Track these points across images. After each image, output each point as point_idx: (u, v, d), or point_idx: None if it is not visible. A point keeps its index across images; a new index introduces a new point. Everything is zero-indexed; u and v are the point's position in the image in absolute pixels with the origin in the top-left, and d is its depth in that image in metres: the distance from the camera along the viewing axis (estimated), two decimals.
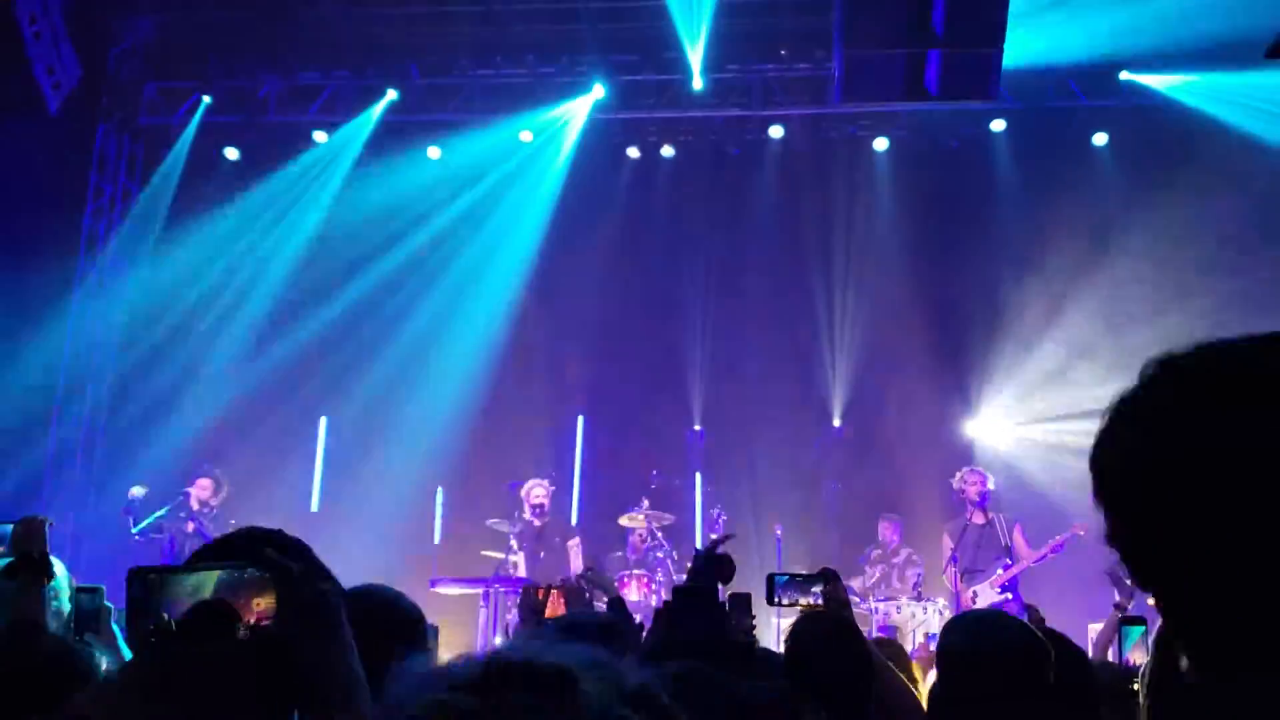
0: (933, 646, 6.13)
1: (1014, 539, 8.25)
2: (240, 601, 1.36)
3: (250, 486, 9.70)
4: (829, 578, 3.68)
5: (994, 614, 2.35)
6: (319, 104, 11.21)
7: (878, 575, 9.34)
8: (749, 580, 4.15)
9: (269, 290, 11.26)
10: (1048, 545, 8.00)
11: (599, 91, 10.79)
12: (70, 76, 9.96)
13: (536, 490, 9.04)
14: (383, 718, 0.89)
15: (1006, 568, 8.06)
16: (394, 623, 2.39)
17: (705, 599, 3.03)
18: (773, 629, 7.64)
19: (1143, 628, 2.33)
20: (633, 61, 10.86)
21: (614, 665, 0.91)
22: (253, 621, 1.36)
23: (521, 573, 8.77)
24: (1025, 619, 3.08)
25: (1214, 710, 0.92)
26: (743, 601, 3.42)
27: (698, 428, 11.27)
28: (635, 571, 8.90)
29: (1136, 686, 2.24)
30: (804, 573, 3.85)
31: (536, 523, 9.00)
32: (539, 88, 11.01)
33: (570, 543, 9.04)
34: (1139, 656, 2.34)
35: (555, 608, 4.06)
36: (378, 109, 11.03)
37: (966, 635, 2.19)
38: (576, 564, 8.90)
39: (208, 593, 1.36)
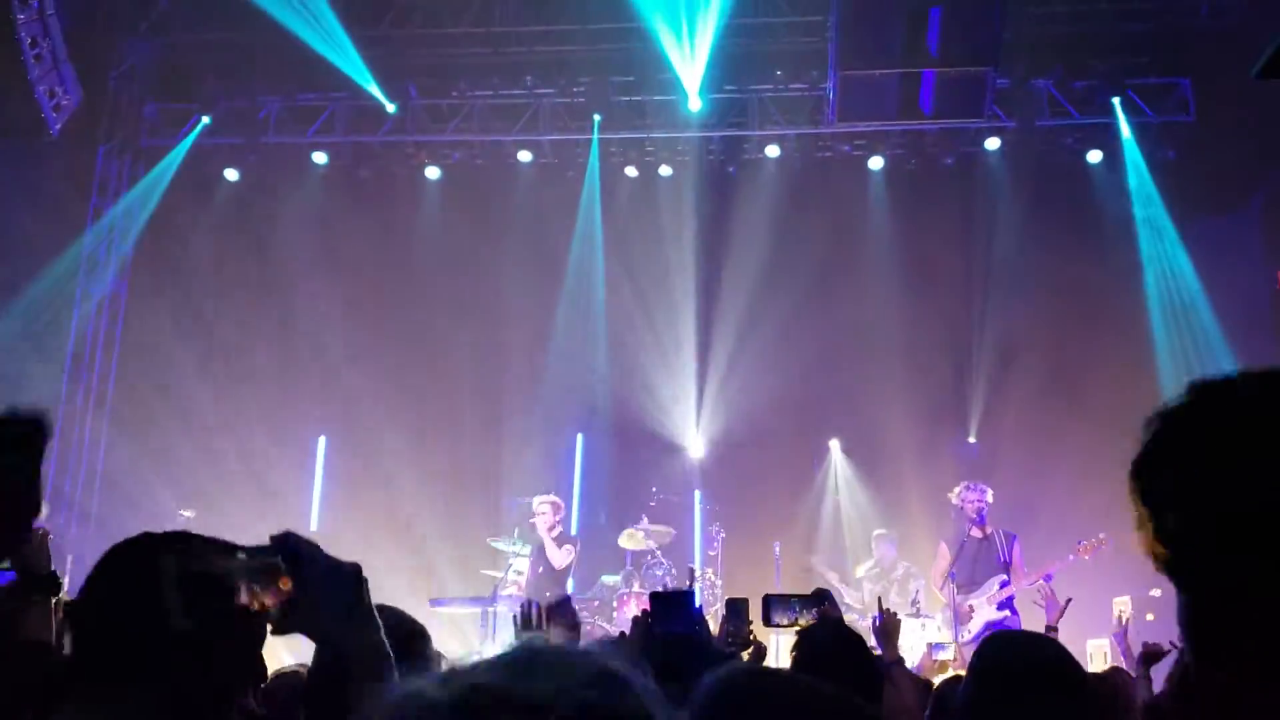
0: (936, 656, 6.14)
1: (1013, 555, 8.22)
2: (263, 587, 1.42)
3: (249, 504, 9.70)
4: (823, 598, 3.72)
5: (1032, 634, 2.42)
6: (318, 125, 11.28)
7: (877, 591, 9.32)
8: (750, 596, 4.18)
9: (269, 309, 11.30)
10: (1041, 570, 7.95)
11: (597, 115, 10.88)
12: (71, 98, 10.03)
13: (541, 507, 9.09)
14: None
15: (1004, 584, 8.04)
16: (399, 636, 2.44)
17: (680, 602, 3.10)
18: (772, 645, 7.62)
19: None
20: (631, 82, 10.96)
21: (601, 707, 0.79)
22: (277, 603, 1.43)
23: (522, 589, 8.79)
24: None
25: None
26: (740, 607, 3.46)
27: (698, 444, 11.29)
28: (634, 589, 8.93)
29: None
30: (799, 594, 3.90)
31: (539, 535, 9.05)
32: (537, 108, 11.10)
33: (563, 548, 9.04)
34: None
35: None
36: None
37: (1006, 652, 2.23)
38: (561, 562, 8.88)
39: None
